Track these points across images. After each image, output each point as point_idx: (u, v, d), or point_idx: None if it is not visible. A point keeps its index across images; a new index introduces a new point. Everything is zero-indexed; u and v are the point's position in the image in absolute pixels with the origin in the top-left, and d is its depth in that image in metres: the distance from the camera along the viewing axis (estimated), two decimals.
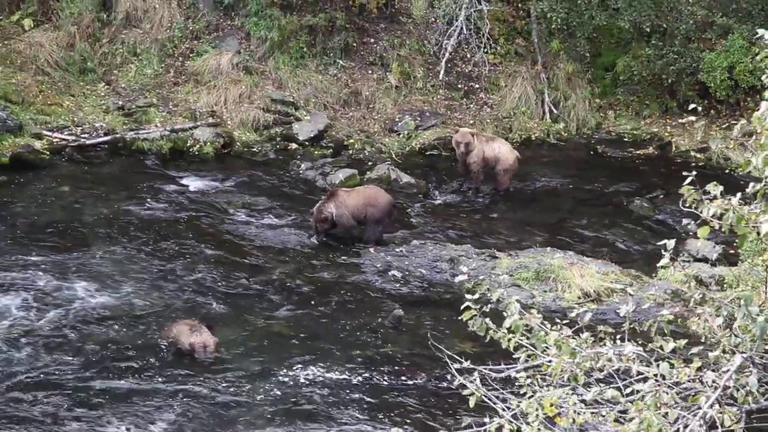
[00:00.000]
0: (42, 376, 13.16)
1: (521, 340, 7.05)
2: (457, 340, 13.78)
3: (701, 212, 6.57)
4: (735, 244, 15.10)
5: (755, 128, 6.77)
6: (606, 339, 7.22)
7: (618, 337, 7.28)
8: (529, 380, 7.14)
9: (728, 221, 6.50)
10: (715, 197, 6.57)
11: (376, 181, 20.59)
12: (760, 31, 6.86)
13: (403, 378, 13.67)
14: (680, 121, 21.50)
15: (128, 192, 19.52)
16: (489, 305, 7.33)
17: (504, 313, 7.14)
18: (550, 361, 6.95)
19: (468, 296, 7.26)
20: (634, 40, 24.62)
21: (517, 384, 7.26)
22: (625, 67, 24.40)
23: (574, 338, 6.96)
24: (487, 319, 7.20)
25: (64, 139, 21.33)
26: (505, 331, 7.11)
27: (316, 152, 22.49)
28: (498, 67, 25.10)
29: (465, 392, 7.14)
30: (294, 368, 13.63)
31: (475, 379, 7.27)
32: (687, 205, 6.64)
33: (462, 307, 7.24)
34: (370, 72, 24.69)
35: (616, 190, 21.47)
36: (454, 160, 21.45)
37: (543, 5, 23.75)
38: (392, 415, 12.88)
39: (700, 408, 6.60)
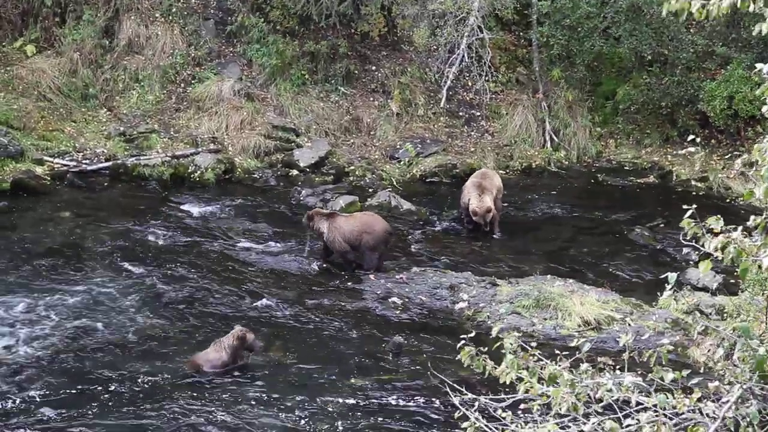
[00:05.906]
0: (41, 406, 13.05)
1: (520, 373, 7.03)
2: (456, 367, 13.70)
3: (702, 245, 6.59)
4: (735, 273, 15.08)
5: (756, 159, 6.80)
6: (606, 369, 7.21)
7: (618, 367, 7.27)
8: (521, 414, 7.13)
9: (729, 255, 6.51)
10: (714, 232, 6.58)
11: (377, 208, 20.61)
12: (759, 66, 6.90)
13: (403, 405, 13.63)
14: (680, 152, 21.54)
15: (129, 218, 19.53)
16: (489, 336, 7.32)
17: (504, 342, 7.13)
18: (547, 395, 6.93)
19: (463, 336, 7.24)
20: (635, 68, 24.70)
21: (519, 413, 7.25)
22: (626, 95, 24.47)
23: (571, 371, 6.95)
24: (485, 357, 7.17)
25: (65, 165, 21.40)
26: (505, 366, 7.09)
27: (316, 179, 22.54)
28: (499, 95, 25.20)
29: (464, 424, 7.11)
30: (293, 395, 13.58)
31: (475, 409, 7.24)
32: (688, 238, 6.66)
33: (458, 346, 7.23)
34: (371, 99, 24.76)
35: (616, 218, 21.49)
36: (454, 187, 21.47)
37: (543, 30, 23.85)
38: None
39: None
